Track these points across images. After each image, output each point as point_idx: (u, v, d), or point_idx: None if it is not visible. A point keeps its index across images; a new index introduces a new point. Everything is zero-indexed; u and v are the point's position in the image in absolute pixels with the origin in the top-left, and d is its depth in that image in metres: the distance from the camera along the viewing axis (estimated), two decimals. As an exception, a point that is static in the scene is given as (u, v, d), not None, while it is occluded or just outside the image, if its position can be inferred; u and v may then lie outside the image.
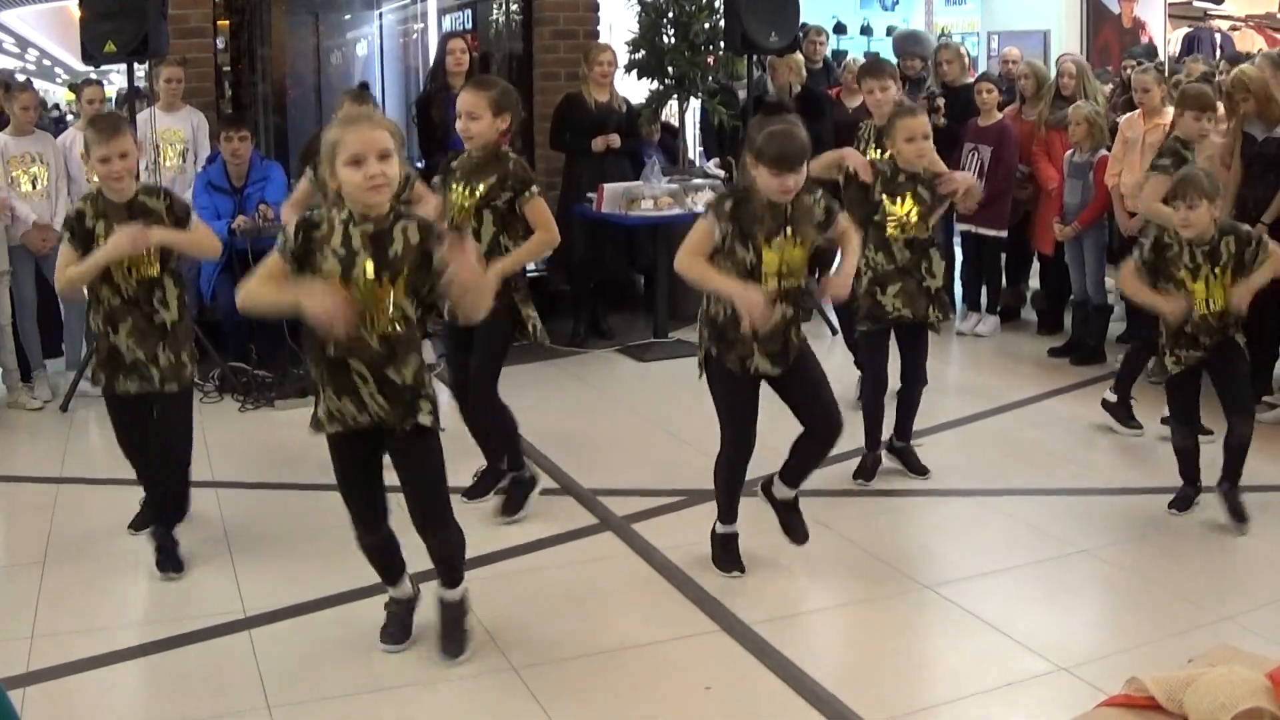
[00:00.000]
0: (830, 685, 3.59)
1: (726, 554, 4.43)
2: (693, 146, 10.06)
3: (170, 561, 4.43)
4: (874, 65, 6.37)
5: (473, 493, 5.10)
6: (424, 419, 3.53)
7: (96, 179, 4.40)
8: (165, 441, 4.48)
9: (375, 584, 4.31)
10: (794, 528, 4.49)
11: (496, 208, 4.66)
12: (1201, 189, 4.60)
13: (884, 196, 5.13)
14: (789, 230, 4.06)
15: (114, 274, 4.29)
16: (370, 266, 3.38)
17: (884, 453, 5.43)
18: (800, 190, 4.05)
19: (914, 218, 5.14)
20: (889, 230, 5.14)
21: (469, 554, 4.55)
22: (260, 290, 3.44)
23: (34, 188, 6.79)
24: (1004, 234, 8.04)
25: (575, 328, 7.93)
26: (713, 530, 4.47)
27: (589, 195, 7.76)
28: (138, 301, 4.34)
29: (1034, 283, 8.64)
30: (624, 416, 6.38)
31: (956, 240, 8.38)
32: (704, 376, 4.29)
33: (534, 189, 4.69)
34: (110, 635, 3.85)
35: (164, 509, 4.50)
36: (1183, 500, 4.96)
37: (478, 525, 4.90)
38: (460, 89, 7.39)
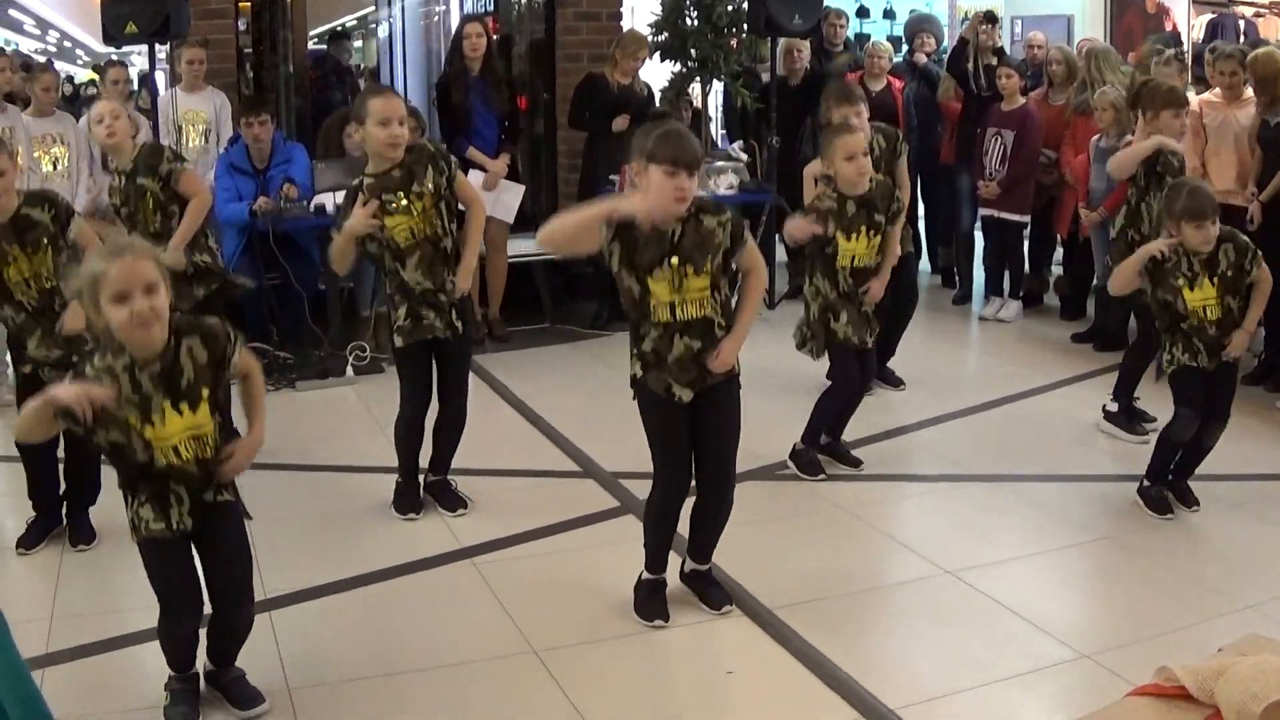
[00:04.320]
0: (852, 670, 3.57)
1: (651, 600, 3.99)
2: (715, 129, 10.04)
3: (83, 535, 4.60)
4: (846, 91, 5.86)
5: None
6: (226, 494, 3.34)
7: None
8: None
9: (396, 565, 4.34)
10: (713, 598, 4.04)
11: None
12: (1215, 208, 4.56)
13: (839, 235, 5.02)
14: (674, 261, 3.64)
15: (14, 292, 4.31)
16: (168, 405, 3.13)
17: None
18: (701, 210, 3.70)
19: (865, 250, 5.07)
20: (839, 261, 5.06)
21: (489, 536, 4.60)
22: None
23: (55, 168, 6.80)
24: (1027, 219, 8.00)
25: (598, 310, 7.92)
26: (639, 577, 4.04)
27: (610, 178, 7.73)
28: (43, 311, 4.36)
29: (1057, 268, 8.61)
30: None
31: (978, 225, 8.34)
32: (636, 398, 3.89)
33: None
34: (128, 617, 3.85)
35: (83, 488, 4.60)
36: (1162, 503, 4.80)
37: (498, 508, 4.91)
38: (476, 73, 7.44)
